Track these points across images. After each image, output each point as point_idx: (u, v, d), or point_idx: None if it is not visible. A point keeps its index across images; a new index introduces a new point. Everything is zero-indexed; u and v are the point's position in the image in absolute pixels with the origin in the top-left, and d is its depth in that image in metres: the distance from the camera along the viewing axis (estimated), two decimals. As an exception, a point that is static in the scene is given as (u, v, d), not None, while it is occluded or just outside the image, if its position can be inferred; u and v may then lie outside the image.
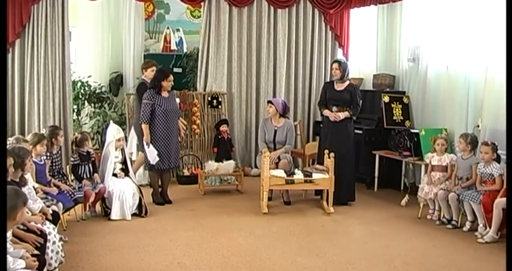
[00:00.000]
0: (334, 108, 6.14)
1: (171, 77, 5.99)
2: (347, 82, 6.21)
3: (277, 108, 6.38)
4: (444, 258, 4.49)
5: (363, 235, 5.18)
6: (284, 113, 6.48)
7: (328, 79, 8.09)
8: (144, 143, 5.94)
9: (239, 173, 6.87)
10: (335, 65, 6.18)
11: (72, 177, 5.49)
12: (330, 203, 5.85)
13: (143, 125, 5.92)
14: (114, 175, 5.59)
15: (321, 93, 6.40)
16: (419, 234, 5.16)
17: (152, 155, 5.91)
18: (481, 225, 5.06)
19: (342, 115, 6.09)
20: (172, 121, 6.01)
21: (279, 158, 6.21)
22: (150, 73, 6.45)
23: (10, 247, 3.07)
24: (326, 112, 6.18)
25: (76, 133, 5.79)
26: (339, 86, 6.18)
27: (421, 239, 5.00)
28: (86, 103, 8.00)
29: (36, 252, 3.33)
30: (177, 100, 6.21)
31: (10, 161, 3.52)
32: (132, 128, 6.87)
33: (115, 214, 5.40)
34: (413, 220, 5.65)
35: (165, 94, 5.99)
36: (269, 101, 6.58)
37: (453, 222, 5.39)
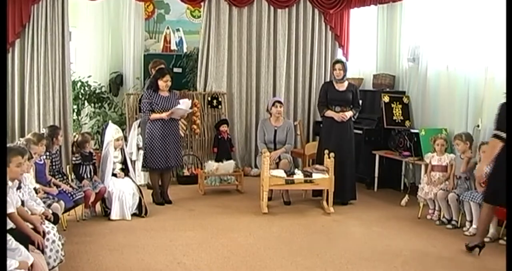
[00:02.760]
0: (337, 109, 6.13)
1: (167, 77, 5.94)
2: (347, 82, 6.21)
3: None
4: (444, 258, 4.49)
5: (363, 235, 5.18)
6: None
7: (328, 79, 8.11)
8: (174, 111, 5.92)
9: (239, 173, 6.87)
10: (339, 65, 6.12)
11: (73, 176, 5.49)
12: (330, 203, 5.85)
13: (151, 116, 5.90)
14: (114, 175, 5.59)
15: (321, 94, 6.29)
16: (419, 234, 5.16)
17: (184, 106, 6.00)
18: (475, 226, 5.06)
19: (348, 115, 6.09)
20: (171, 121, 6.00)
21: (279, 157, 6.22)
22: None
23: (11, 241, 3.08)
24: (330, 113, 6.13)
25: (77, 135, 5.76)
26: (340, 87, 6.17)
27: (421, 239, 5.00)
28: (86, 103, 8.01)
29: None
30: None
31: (18, 159, 3.51)
32: (132, 129, 6.88)
33: (115, 214, 5.40)
34: (413, 220, 5.65)
35: (164, 93, 5.98)
36: (278, 101, 6.50)
37: (453, 222, 5.39)
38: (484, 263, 4.40)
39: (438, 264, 4.35)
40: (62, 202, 4.69)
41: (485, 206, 4.57)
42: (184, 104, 6.06)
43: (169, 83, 5.97)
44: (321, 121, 7.90)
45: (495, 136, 4.27)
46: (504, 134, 4.18)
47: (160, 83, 5.92)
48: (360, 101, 6.24)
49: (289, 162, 6.21)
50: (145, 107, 5.94)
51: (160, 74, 5.97)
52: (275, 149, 6.32)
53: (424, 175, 5.87)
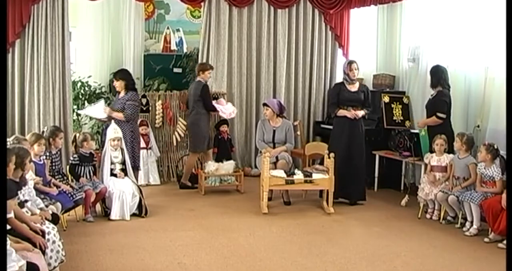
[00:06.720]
0: (350, 109, 6.12)
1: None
2: (358, 83, 6.24)
3: (274, 109, 6.38)
4: (444, 258, 4.49)
5: (363, 235, 5.19)
6: (281, 112, 6.47)
7: (328, 80, 8.19)
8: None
9: (239, 173, 6.86)
10: (355, 65, 6.16)
11: (71, 177, 5.48)
12: (330, 203, 5.85)
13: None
14: (114, 175, 5.59)
15: (332, 95, 6.30)
16: (419, 234, 5.16)
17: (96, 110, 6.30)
18: (475, 226, 5.08)
19: (360, 113, 6.13)
20: (118, 122, 6.03)
21: (277, 158, 6.21)
22: (207, 75, 6.88)
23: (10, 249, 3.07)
24: (343, 112, 6.12)
25: (78, 134, 5.77)
26: (352, 87, 6.17)
27: (421, 239, 5.01)
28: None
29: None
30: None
31: (12, 159, 3.52)
32: None
33: (115, 214, 5.40)
34: (413, 220, 5.65)
35: (120, 94, 6.29)
36: (264, 104, 6.56)
37: (453, 222, 5.39)
38: (484, 263, 4.40)
39: (438, 264, 4.36)
40: (58, 204, 4.67)
41: None
42: (101, 111, 6.29)
43: (116, 84, 6.28)
44: (322, 121, 7.88)
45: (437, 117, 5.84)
46: (442, 115, 5.79)
47: None
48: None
49: (287, 163, 6.20)
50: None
51: None
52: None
53: (423, 175, 5.87)
